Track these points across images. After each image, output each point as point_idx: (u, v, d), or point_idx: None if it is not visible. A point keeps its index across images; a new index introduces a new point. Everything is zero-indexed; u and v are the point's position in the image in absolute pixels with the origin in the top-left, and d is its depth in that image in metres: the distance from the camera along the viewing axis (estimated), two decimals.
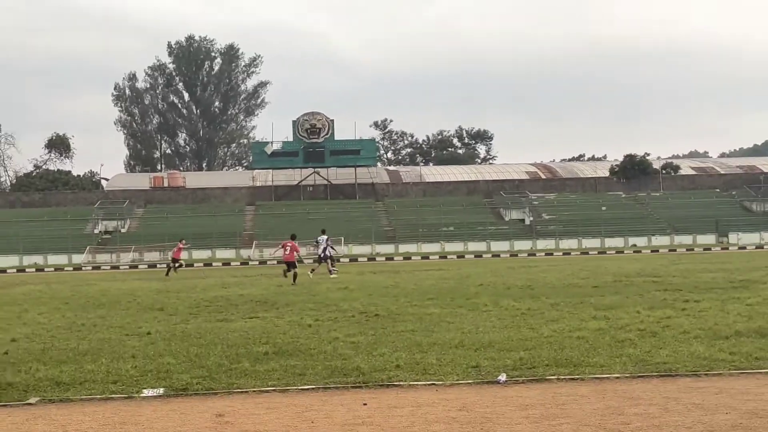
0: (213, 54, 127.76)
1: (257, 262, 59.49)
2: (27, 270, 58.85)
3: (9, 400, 9.76)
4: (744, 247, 64.19)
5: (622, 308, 16.77)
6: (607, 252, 62.43)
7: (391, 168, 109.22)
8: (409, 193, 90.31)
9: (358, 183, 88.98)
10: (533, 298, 19.60)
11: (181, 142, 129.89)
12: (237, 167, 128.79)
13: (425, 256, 61.06)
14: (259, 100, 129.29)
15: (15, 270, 58.74)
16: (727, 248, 64.43)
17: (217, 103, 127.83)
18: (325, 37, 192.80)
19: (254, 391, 9.81)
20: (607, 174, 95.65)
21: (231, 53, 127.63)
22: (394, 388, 9.72)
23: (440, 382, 9.90)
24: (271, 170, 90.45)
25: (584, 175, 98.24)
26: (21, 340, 14.77)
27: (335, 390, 9.73)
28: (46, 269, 59.08)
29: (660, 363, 10.63)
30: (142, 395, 9.75)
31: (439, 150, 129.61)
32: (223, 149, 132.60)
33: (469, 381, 9.98)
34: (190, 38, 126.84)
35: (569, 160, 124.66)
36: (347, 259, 58.49)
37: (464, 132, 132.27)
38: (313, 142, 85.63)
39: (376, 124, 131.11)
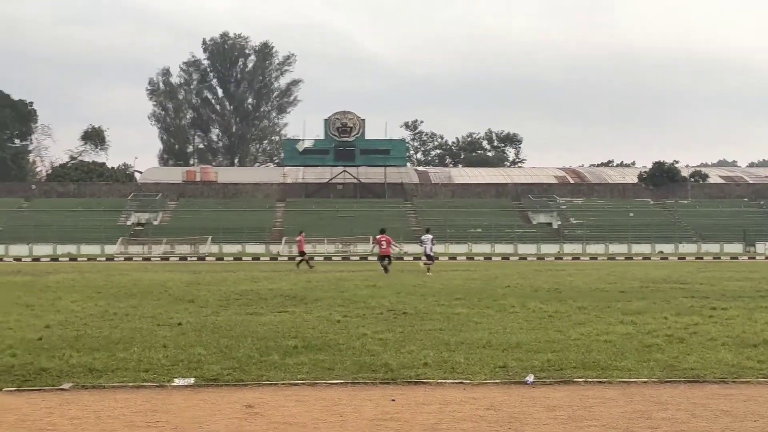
0: (247, 51, 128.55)
1: (286, 258, 59.72)
2: (60, 259, 59.43)
3: (43, 384, 9.93)
4: None
5: (649, 313, 16.70)
6: (634, 258, 62.00)
7: (421, 169, 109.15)
8: (437, 193, 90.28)
9: (388, 182, 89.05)
10: (560, 301, 19.55)
11: (214, 137, 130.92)
12: (268, 164, 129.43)
13: (452, 257, 60.99)
14: (291, 98, 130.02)
15: (49, 259, 59.36)
16: (754, 257, 63.81)
17: (250, 100, 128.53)
18: (358, 37, 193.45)
19: (284, 383, 9.89)
20: (636, 180, 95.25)
21: (265, 51, 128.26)
22: (422, 386, 9.77)
23: (468, 381, 9.94)
24: (302, 167, 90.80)
25: (612, 181, 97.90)
26: (55, 326, 14.97)
27: (364, 385, 9.80)
28: (79, 259, 59.66)
29: (687, 369, 10.60)
30: (173, 384, 9.87)
31: (469, 152, 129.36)
32: (255, 145, 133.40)
33: (497, 381, 10.01)
34: (224, 35, 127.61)
35: (598, 165, 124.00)
36: (375, 258, 58.67)
37: (494, 135, 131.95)
38: (344, 140, 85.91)
39: (406, 125, 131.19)
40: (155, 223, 78.09)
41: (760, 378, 10.17)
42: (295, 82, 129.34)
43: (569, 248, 70.78)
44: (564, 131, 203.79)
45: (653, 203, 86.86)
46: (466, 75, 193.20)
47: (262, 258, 60.97)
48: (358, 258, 58.79)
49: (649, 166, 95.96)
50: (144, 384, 9.88)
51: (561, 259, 60.57)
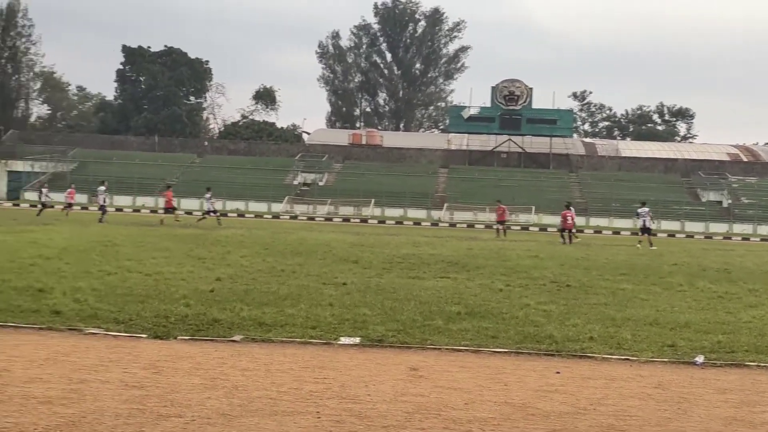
0: (417, 17, 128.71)
1: (447, 224, 59.90)
2: (229, 215, 61.42)
3: (215, 335, 10.36)
4: None
5: None
6: None
7: (587, 140, 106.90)
8: (604, 166, 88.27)
9: (553, 153, 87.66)
10: (730, 282, 18.86)
11: (381, 101, 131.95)
12: (433, 129, 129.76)
13: (616, 231, 59.78)
14: (459, 65, 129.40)
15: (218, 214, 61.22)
16: None
17: (418, 65, 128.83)
18: (528, 6, 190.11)
19: (447, 348, 9.98)
20: None
21: (435, 17, 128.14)
22: (587, 360, 9.68)
23: (634, 358, 9.78)
24: (466, 134, 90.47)
25: None
26: (225, 279, 15.54)
27: (528, 355, 9.78)
28: (246, 215, 61.60)
29: None
30: (339, 342, 10.12)
31: (638, 125, 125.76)
32: (420, 111, 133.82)
33: (665, 360, 9.81)
34: (396, 0, 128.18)
35: None
36: (537, 228, 58.22)
37: (665, 108, 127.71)
38: (510, 109, 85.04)
39: (574, 95, 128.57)
40: (321, 183, 79.65)
41: None
42: (463, 49, 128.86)
43: (739, 228, 67.94)
44: (738, 107, 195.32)
45: None
46: (639, 47, 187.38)
47: (423, 223, 61.38)
48: (518, 228, 58.32)
49: None
50: (311, 341, 10.15)
51: (730, 239, 58.47)
